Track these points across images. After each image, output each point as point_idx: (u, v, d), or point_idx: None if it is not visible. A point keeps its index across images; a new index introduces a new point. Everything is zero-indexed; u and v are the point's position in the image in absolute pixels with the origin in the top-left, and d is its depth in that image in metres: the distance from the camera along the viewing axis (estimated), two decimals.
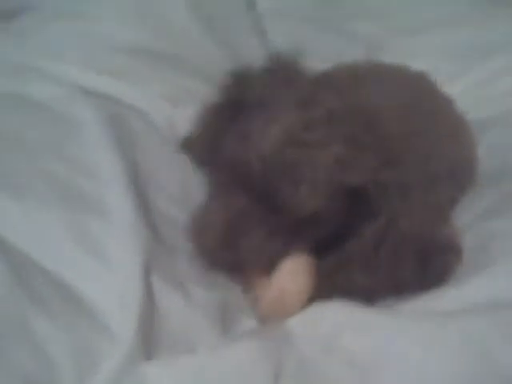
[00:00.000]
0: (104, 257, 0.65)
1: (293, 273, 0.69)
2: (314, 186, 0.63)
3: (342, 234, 0.67)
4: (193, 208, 0.74)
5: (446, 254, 0.68)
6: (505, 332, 0.56)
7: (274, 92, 0.66)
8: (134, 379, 0.56)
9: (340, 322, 0.62)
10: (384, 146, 0.66)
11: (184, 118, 0.95)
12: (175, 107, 0.95)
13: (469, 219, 0.77)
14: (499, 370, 0.54)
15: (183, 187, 0.79)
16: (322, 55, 0.99)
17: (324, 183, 0.63)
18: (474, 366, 0.55)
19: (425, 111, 0.83)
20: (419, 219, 0.68)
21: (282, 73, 0.70)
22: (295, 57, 0.72)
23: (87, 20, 1.01)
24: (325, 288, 0.67)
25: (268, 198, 0.64)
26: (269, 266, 0.68)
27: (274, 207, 0.64)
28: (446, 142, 0.81)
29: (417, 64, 0.97)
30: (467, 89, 1.06)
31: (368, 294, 0.67)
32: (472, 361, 0.55)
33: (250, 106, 0.67)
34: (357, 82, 0.81)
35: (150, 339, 0.60)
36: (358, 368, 0.57)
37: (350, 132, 0.64)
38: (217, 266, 0.67)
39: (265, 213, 0.65)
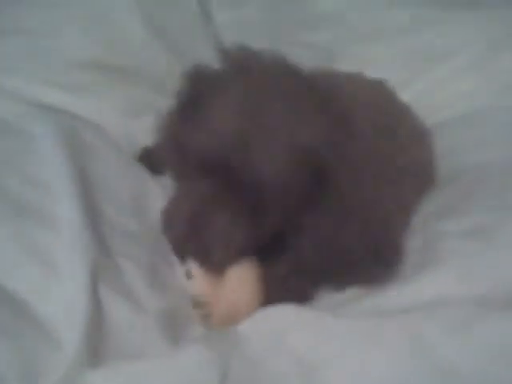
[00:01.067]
0: (51, 268, 0.65)
1: (242, 283, 0.69)
2: (271, 154, 0.63)
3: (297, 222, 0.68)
4: (144, 217, 0.75)
5: (394, 252, 0.71)
6: (444, 327, 0.57)
7: (226, 82, 0.68)
8: None
9: (286, 322, 0.62)
10: (336, 108, 0.68)
11: (141, 130, 0.96)
12: (132, 119, 0.96)
13: (421, 219, 0.78)
14: (437, 364, 0.54)
15: (135, 197, 0.79)
16: None
17: (281, 151, 0.63)
18: (413, 363, 0.55)
19: (386, 113, 0.84)
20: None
21: (232, 64, 0.71)
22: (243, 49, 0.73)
23: (43, 35, 1.00)
24: (276, 288, 0.69)
25: (230, 181, 0.64)
26: (234, 252, 0.68)
27: (236, 190, 0.64)
28: (407, 144, 0.82)
29: (372, 71, 0.99)
30: (421, 93, 1.07)
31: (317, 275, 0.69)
32: (411, 358, 0.55)
33: (206, 97, 0.68)
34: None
35: (97, 348, 0.60)
36: (305, 367, 0.57)
37: (299, 99, 0.66)
38: (187, 254, 0.68)
39: (227, 197, 0.65)
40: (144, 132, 0.95)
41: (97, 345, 0.60)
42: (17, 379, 0.55)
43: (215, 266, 0.69)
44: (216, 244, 0.66)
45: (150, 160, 0.90)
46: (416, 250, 0.71)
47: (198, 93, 0.70)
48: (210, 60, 1.09)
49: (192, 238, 0.65)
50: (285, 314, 0.63)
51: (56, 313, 0.61)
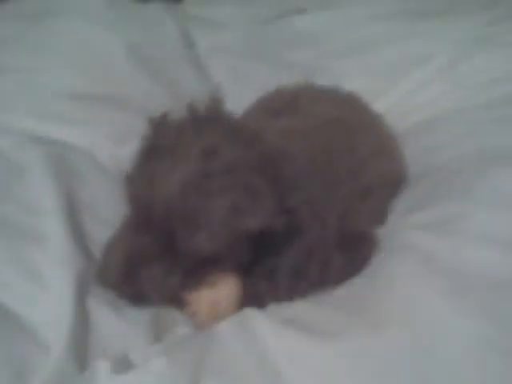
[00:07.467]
0: (39, 279, 0.70)
1: (222, 284, 0.72)
2: (211, 232, 0.66)
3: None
4: None
5: (366, 243, 0.75)
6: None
7: (183, 140, 0.70)
8: None
9: (263, 326, 0.65)
10: (286, 185, 0.70)
11: (128, 154, 1.00)
12: (119, 144, 1.00)
13: (392, 217, 0.83)
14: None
15: (120, 215, 0.83)
16: (263, 84, 1.05)
17: (221, 229, 0.66)
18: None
19: (355, 129, 0.89)
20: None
21: (194, 121, 0.73)
22: (214, 105, 0.75)
23: (32, 71, 1.07)
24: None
25: (167, 238, 0.67)
26: (168, 300, 0.72)
27: (172, 248, 0.67)
28: (376, 156, 0.87)
29: (349, 84, 1.03)
30: (395, 101, 1.12)
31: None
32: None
33: (161, 152, 0.71)
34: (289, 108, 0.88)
35: (83, 352, 0.65)
36: (272, 371, 0.60)
37: (248, 180, 0.67)
38: (120, 297, 0.71)
39: (164, 252, 0.68)
40: (130, 156, 1.00)
41: (83, 349, 0.66)
42: (7, 377, 0.61)
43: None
44: (148, 293, 0.69)
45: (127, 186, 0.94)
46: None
47: (158, 144, 0.73)
48: (194, 85, 1.17)
49: (125, 284, 0.69)
50: (262, 318, 0.66)
51: (45, 321, 0.66)
